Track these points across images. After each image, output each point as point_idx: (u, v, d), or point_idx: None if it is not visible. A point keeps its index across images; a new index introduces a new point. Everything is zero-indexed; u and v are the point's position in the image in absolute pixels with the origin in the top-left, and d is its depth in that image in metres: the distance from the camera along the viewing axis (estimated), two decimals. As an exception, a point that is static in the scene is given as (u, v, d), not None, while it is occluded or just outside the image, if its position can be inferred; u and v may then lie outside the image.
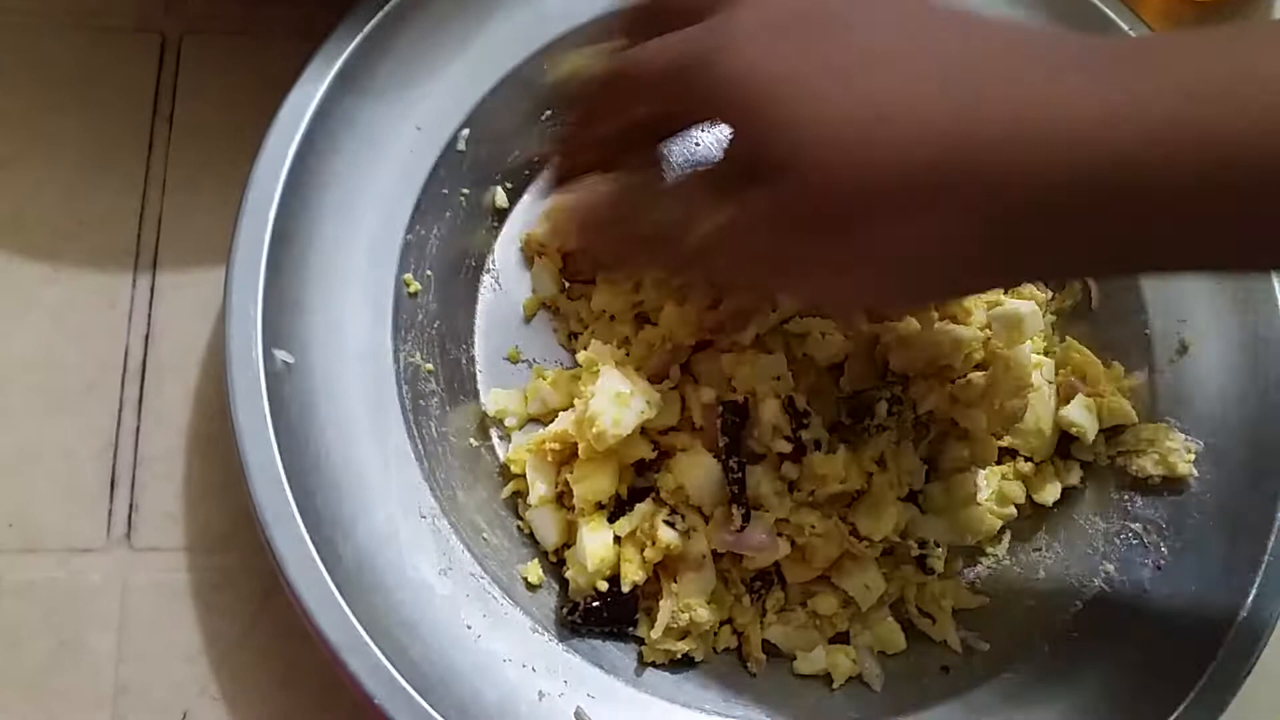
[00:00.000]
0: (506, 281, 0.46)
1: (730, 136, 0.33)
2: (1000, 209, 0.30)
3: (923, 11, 0.32)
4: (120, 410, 0.44)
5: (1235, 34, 0.31)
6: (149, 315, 0.45)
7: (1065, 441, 0.45)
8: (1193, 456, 0.44)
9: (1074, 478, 0.45)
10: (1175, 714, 0.39)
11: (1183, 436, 0.45)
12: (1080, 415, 0.44)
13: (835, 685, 0.41)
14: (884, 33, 0.31)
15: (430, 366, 0.43)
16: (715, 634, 0.41)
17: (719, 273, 0.39)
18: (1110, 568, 0.43)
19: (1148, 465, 0.44)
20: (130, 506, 0.43)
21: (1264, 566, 0.42)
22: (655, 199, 0.36)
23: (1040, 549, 0.45)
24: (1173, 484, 0.44)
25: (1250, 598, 0.41)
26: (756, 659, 0.41)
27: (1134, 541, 0.44)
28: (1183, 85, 0.29)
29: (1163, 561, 0.43)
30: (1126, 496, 0.45)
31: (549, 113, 0.46)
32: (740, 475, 0.40)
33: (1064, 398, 0.45)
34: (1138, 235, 0.31)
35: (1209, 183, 0.29)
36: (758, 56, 0.31)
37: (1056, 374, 0.46)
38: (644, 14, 0.36)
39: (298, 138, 0.41)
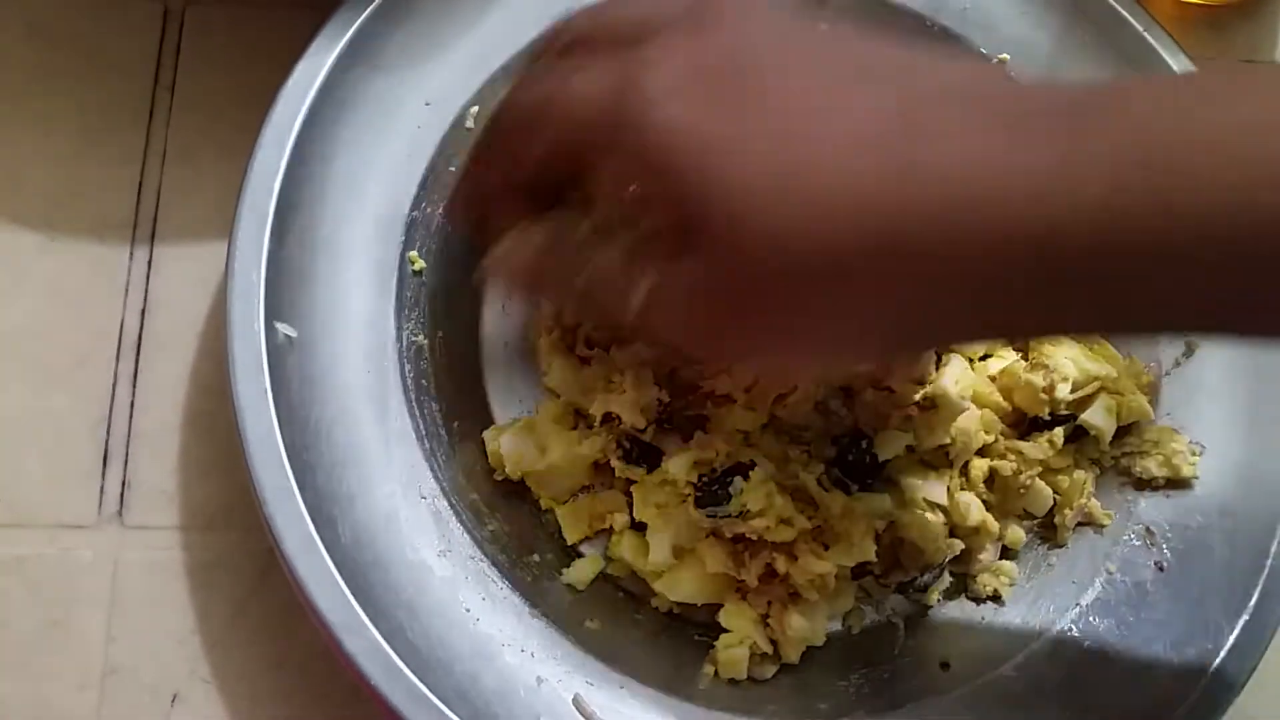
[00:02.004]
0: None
1: (642, 192, 0.30)
2: (940, 277, 0.28)
3: (858, 55, 0.30)
4: (114, 385, 0.43)
5: (1195, 88, 0.30)
6: (145, 288, 0.44)
7: (1076, 438, 0.45)
8: (1197, 459, 0.44)
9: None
10: (1176, 716, 0.39)
11: (1187, 439, 0.44)
12: (1100, 418, 0.44)
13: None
14: (818, 82, 0.29)
15: (432, 346, 0.42)
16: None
17: (661, 338, 0.36)
18: (1111, 568, 0.43)
19: (1152, 467, 0.44)
20: (123, 483, 0.42)
21: (1266, 570, 0.41)
22: (580, 257, 0.33)
23: (1039, 548, 0.44)
24: (1176, 486, 0.44)
25: (1253, 600, 0.41)
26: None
27: (1135, 543, 0.43)
28: (1134, 148, 0.27)
29: (1165, 563, 0.43)
30: (1129, 498, 0.44)
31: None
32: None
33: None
34: (1093, 303, 0.29)
35: (1166, 254, 0.27)
36: (682, 112, 0.29)
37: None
38: (565, 40, 0.34)
39: (305, 108, 0.40)
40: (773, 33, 0.31)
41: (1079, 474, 0.44)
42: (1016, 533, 0.43)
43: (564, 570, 0.41)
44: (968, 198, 0.27)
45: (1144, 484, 0.44)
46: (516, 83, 0.36)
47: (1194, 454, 0.44)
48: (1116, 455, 0.45)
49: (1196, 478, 0.44)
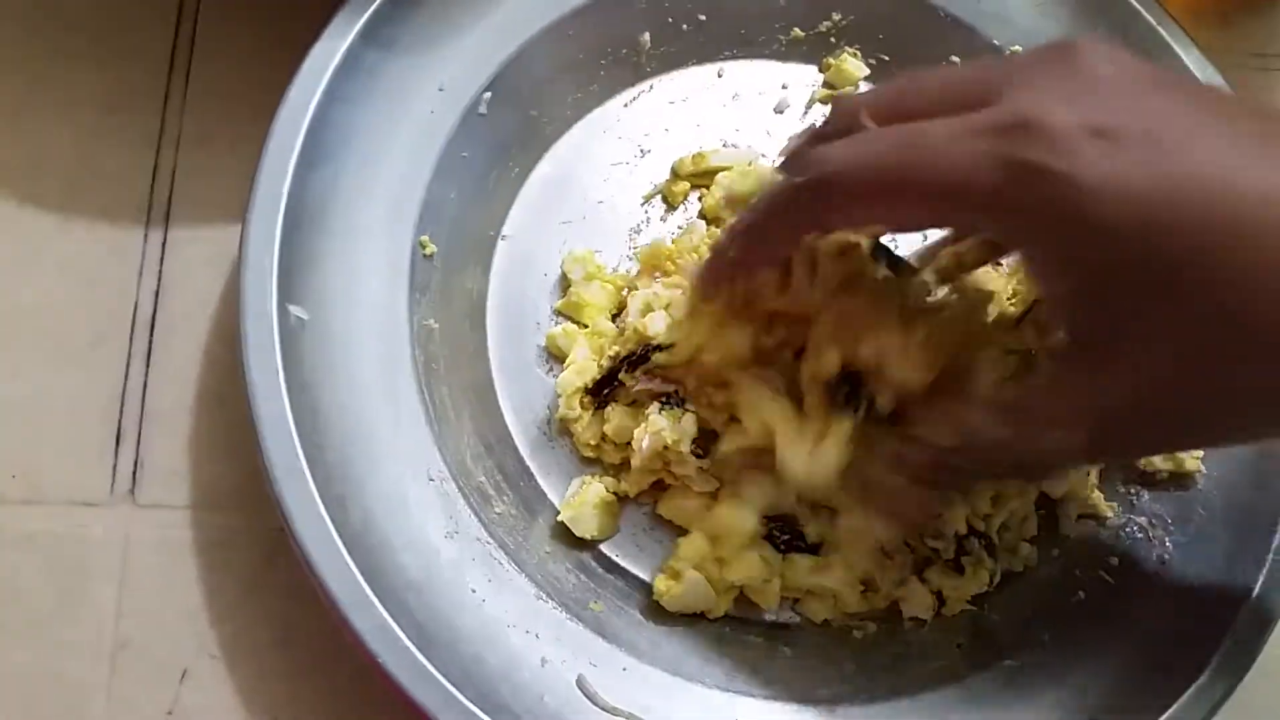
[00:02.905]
0: (521, 246, 0.45)
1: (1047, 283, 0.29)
2: None
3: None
4: (128, 364, 0.44)
5: None
6: (160, 270, 0.45)
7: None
8: (1201, 453, 0.44)
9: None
10: (1175, 707, 0.39)
11: None
12: None
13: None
14: (1224, 138, 0.28)
15: (443, 329, 0.42)
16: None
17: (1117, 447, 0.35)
18: (1114, 560, 0.43)
19: (1156, 460, 0.44)
20: (135, 462, 0.43)
21: (1268, 563, 0.41)
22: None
23: (1043, 540, 0.44)
24: (1180, 480, 0.44)
25: (1255, 593, 0.41)
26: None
27: (1139, 535, 0.43)
28: None
29: (1167, 555, 0.43)
30: (1133, 491, 0.44)
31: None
32: None
33: None
34: None
35: None
36: (1113, 171, 0.27)
37: None
38: (884, 100, 0.32)
39: (320, 90, 0.40)
40: (1153, 84, 0.30)
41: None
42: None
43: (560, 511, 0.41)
44: None
45: (1147, 478, 0.44)
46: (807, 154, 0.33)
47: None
48: None
49: (1201, 471, 0.44)
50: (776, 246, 0.35)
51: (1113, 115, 0.28)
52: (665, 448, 0.39)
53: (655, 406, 0.40)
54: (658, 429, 0.39)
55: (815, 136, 0.33)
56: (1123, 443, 0.33)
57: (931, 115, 0.30)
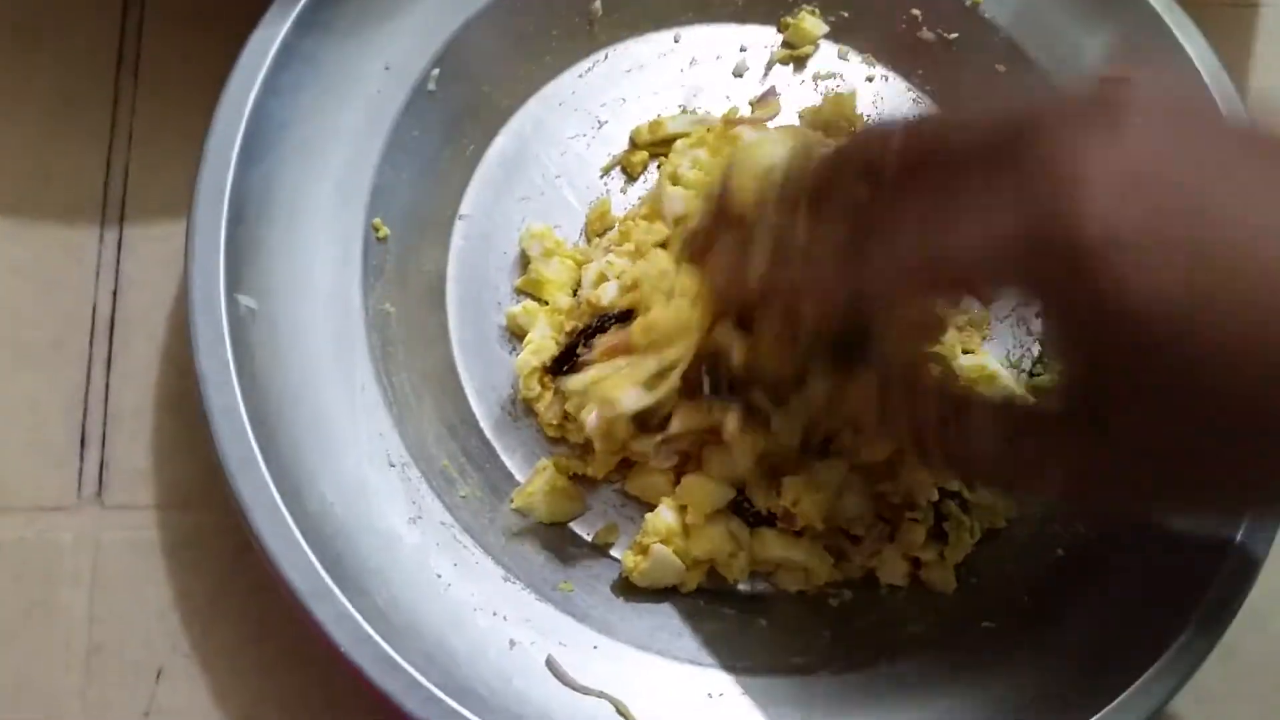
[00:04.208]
0: (479, 226, 0.45)
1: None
2: None
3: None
4: (89, 366, 0.43)
5: None
6: (116, 270, 0.44)
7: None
8: None
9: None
10: (1159, 662, 0.38)
11: None
12: None
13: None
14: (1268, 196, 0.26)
15: (400, 313, 0.42)
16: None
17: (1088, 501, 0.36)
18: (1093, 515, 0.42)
19: None
20: (101, 464, 0.42)
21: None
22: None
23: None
24: None
25: (1236, 540, 0.39)
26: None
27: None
28: None
29: (1146, 505, 0.42)
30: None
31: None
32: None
33: None
34: None
35: None
36: (1145, 259, 0.25)
37: None
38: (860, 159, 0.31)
39: (260, 79, 0.39)
40: (1212, 138, 0.27)
41: None
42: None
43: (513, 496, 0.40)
44: None
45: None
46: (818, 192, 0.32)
47: None
48: None
49: None
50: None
51: (1157, 180, 0.25)
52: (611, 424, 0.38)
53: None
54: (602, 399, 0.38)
55: (836, 166, 0.32)
56: (1095, 502, 0.34)
57: (964, 163, 0.28)
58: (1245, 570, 0.39)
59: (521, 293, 0.44)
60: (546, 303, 0.43)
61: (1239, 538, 0.39)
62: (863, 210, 0.31)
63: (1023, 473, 0.31)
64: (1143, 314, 0.25)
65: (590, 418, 0.37)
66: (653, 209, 0.43)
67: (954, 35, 0.48)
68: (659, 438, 0.39)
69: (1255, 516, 0.39)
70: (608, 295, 0.39)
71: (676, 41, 0.48)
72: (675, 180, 0.44)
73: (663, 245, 0.41)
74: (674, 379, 0.37)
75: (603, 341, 0.39)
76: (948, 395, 0.34)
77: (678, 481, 0.40)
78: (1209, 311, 0.25)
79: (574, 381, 0.38)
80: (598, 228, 0.44)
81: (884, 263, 0.30)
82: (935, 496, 0.40)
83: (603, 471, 0.41)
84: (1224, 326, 0.25)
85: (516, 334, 0.43)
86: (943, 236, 0.28)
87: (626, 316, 0.39)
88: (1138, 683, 0.37)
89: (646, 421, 0.38)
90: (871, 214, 0.30)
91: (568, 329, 0.41)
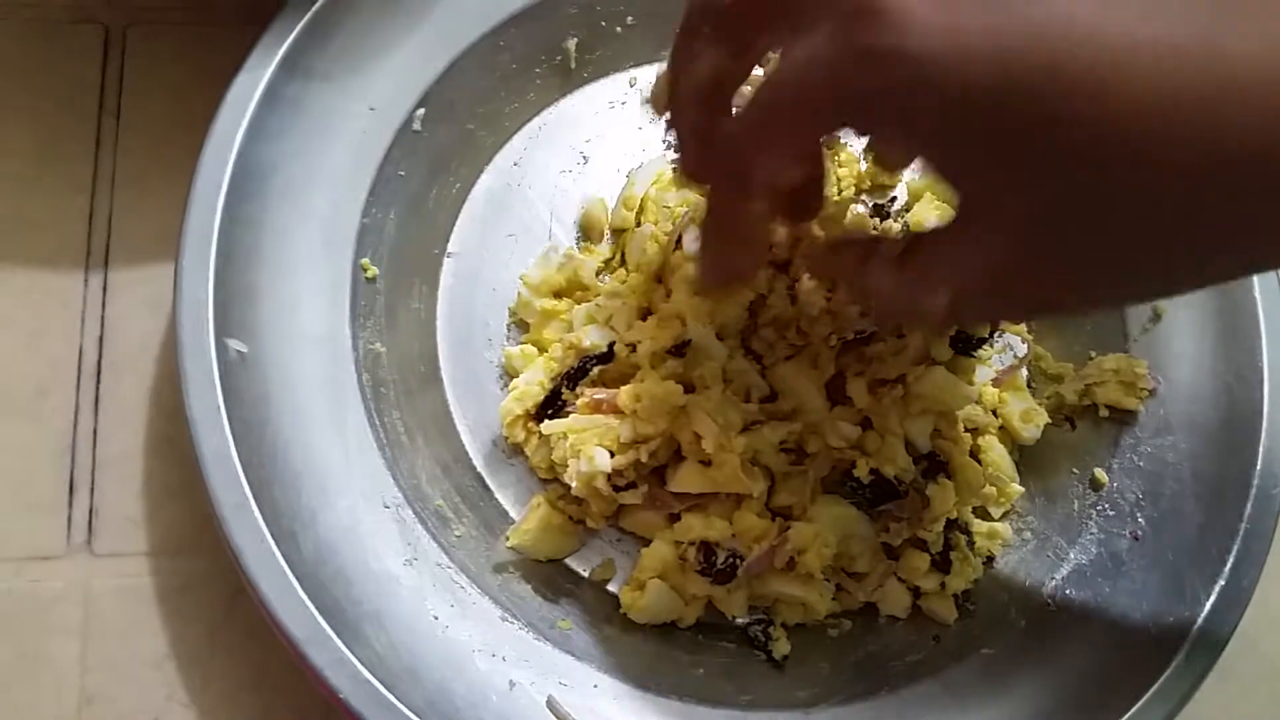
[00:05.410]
0: (468, 263, 0.45)
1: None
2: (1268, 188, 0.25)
3: None
4: (77, 413, 0.43)
5: None
6: (102, 315, 0.44)
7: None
8: (1143, 393, 0.44)
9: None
10: (1156, 685, 0.38)
11: (1147, 365, 0.44)
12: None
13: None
14: None
15: (391, 352, 0.41)
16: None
17: (974, 315, 0.35)
18: (1087, 541, 0.42)
19: (1113, 393, 0.44)
20: (90, 511, 0.42)
21: (1241, 534, 0.41)
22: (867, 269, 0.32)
23: (1015, 522, 0.43)
24: (1122, 416, 0.44)
25: (1228, 566, 0.40)
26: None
27: (1110, 513, 0.43)
28: None
29: (1140, 532, 0.42)
30: (1109, 465, 0.44)
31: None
32: None
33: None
34: None
35: None
36: (948, 36, 0.25)
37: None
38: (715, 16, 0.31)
39: (245, 123, 0.39)
40: None
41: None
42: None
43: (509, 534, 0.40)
44: None
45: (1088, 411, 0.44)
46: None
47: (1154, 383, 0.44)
48: (1079, 389, 0.44)
49: (1143, 410, 0.44)
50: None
51: None
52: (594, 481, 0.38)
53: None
54: (582, 464, 0.38)
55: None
56: (986, 308, 0.33)
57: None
58: (1237, 594, 0.39)
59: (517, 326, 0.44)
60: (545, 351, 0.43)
61: (1230, 562, 0.40)
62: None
63: (916, 293, 0.31)
64: (958, 85, 0.25)
65: (570, 472, 0.38)
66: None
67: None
68: (643, 489, 0.39)
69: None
70: (590, 338, 0.39)
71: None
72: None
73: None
74: (642, 453, 0.38)
75: (588, 392, 0.39)
76: (856, 240, 0.37)
77: (675, 517, 0.40)
78: (1022, 73, 0.25)
79: (551, 425, 0.39)
80: (592, 231, 0.45)
81: (753, 105, 0.30)
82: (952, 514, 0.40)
83: (600, 523, 0.41)
84: (1040, 90, 0.25)
85: (512, 374, 0.43)
86: (784, 84, 0.29)
87: (608, 358, 0.39)
88: (1135, 707, 0.38)
89: (616, 483, 0.39)
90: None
91: (553, 375, 0.41)
